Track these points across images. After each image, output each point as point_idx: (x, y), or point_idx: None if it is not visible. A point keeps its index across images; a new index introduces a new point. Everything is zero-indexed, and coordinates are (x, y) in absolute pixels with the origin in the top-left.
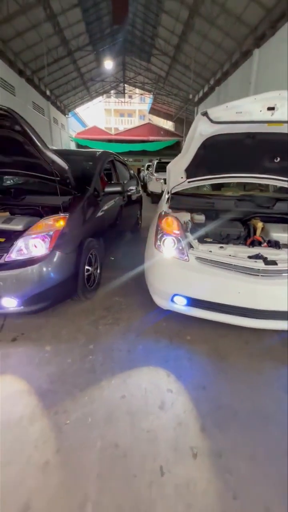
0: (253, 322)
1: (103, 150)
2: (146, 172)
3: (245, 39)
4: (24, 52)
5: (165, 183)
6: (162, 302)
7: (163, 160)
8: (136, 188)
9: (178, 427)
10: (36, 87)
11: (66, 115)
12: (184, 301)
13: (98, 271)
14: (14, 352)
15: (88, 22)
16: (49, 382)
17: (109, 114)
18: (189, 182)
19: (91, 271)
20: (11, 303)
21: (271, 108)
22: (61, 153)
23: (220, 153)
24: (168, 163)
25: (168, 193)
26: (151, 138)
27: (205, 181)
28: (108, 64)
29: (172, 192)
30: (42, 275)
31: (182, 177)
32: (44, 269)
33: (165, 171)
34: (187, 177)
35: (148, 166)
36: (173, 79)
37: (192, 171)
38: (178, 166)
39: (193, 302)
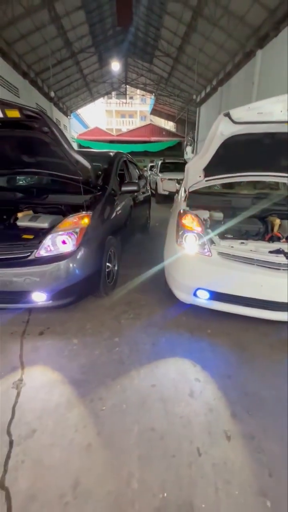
0: (275, 315)
1: (117, 151)
2: (149, 172)
3: (248, 40)
4: (28, 54)
5: (177, 183)
6: (184, 296)
7: (167, 161)
8: (145, 188)
9: (209, 413)
10: (40, 88)
11: (68, 116)
12: (207, 295)
13: (116, 268)
14: (42, 345)
15: (91, 24)
16: (81, 372)
17: (110, 115)
18: (206, 180)
19: (111, 267)
20: (40, 298)
21: None
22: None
23: (238, 152)
24: (172, 163)
25: (185, 191)
26: (153, 138)
27: (223, 180)
28: (115, 66)
29: (190, 190)
30: (69, 270)
31: (200, 176)
32: (71, 265)
33: (170, 171)
34: (205, 176)
35: (151, 166)
36: (175, 80)
37: (210, 170)
38: (197, 165)
39: (216, 296)
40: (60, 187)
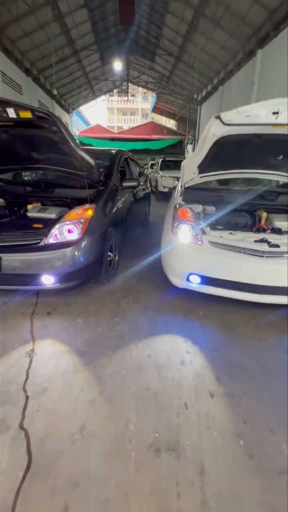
0: (258, 297)
1: (118, 149)
2: (150, 170)
3: (249, 40)
4: (31, 51)
5: (176, 180)
6: (178, 281)
7: (167, 159)
8: (145, 185)
9: (197, 377)
10: (42, 86)
11: (70, 114)
12: (199, 279)
13: (116, 258)
14: (50, 323)
15: (93, 22)
16: (85, 345)
17: (111, 113)
18: (200, 177)
19: (112, 257)
20: (49, 280)
21: (275, 113)
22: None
23: (229, 151)
24: (172, 161)
25: (181, 187)
26: (154, 136)
27: (215, 177)
28: (117, 66)
29: (185, 186)
30: (75, 256)
31: (194, 173)
32: (77, 251)
33: (170, 169)
34: (199, 173)
35: (152, 164)
36: (176, 78)
37: (203, 167)
38: (191, 163)
39: (207, 280)
40: (66, 182)
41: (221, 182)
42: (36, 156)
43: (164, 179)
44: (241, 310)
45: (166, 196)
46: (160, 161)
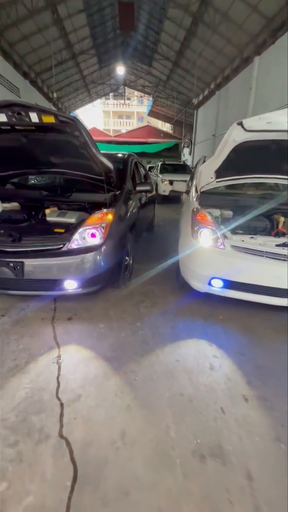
0: (280, 300)
1: (129, 153)
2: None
3: (246, 46)
4: (29, 54)
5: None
6: (199, 285)
7: (167, 162)
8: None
9: (228, 381)
10: (40, 88)
11: None
12: (221, 283)
13: (131, 261)
14: (72, 328)
15: (92, 26)
16: (111, 350)
17: (107, 116)
18: (217, 182)
19: (128, 261)
20: (72, 285)
21: None
22: None
23: (247, 156)
24: (171, 165)
25: (196, 191)
26: (150, 140)
27: (232, 181)
28: (121, 70)
29: (201, 191)
30: (97, 261)
31: (211, 178)
32: (99, 256)
33: (169, 173)
34: (216, 178)
35: (150, 167)
36: (173, 83)
37: (220, 172)
38: (209, 168)
39: (230, 284)
40: (81, 186)
41: (234, 186)
42: (53, 160)
43: (175, 184)
44: (258, 312)
45: (166, 199)
46: (159, 165)
